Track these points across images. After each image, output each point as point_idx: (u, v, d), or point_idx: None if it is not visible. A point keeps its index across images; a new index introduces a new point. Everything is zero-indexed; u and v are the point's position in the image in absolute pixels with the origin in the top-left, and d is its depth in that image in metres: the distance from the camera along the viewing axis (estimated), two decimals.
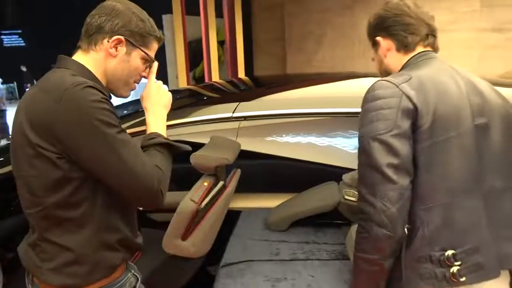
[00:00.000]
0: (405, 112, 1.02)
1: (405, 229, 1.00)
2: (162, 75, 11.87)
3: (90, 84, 1.05)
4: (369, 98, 1.08)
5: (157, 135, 1.15)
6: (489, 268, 1.00)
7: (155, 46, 1.24)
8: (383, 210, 0.96)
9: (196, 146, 3.26)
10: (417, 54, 1.23)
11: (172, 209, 2.78)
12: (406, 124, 1.01)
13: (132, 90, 1.27)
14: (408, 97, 1.04)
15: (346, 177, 2.36)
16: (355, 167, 1.13)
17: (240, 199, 2.88)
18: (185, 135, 3.27)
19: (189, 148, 1.24)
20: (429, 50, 1.25)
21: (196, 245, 1.87)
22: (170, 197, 2.80)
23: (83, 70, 1.13)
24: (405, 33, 1.21)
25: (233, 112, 1.72)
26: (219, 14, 7.15)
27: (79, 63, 1.14)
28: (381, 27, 1.26)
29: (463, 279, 0.98)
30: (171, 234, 1.85)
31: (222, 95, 2.44)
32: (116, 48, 1.15)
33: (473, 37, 5.74)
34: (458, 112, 1.06)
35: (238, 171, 2.13)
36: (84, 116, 1.00)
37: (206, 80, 6.94)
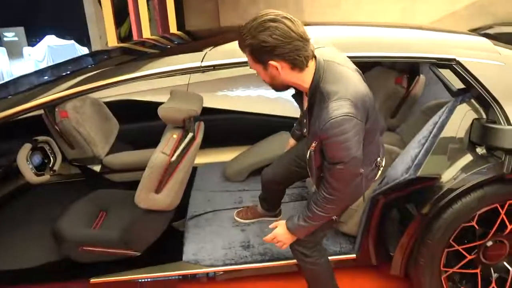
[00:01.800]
0: (362, 129, 1.37)
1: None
2: (82, 35, 10.87)
3: None
4: (339, 132, 1.30)
5: None
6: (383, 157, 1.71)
7: None
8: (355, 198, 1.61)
9: (146, 106, 3.19)
10: (316, 68, 1.38)
11: (128, 169, 2.75)
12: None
13: None
14: (361, 121, 1.35)
15: None
16: None
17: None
18: (133, 94, 3.17)
19: None
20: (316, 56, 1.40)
21: (170, 196, 1.88)
22: (126, 156, 2.77)
23: None
24: (300, 57, 1.30)
25: (201, 61, 1.70)
26: None
27: None
28: (273, 54, 1.29)
29: (383, 163, 1.68)
30: (145, 188, 1.83)
31: (182, 45, 2.35)
32: None
33: None
34: (371, 98, 1.44)
35: (202, 124, 2.15)
36: None
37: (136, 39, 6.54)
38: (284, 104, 3.13)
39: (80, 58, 3.21)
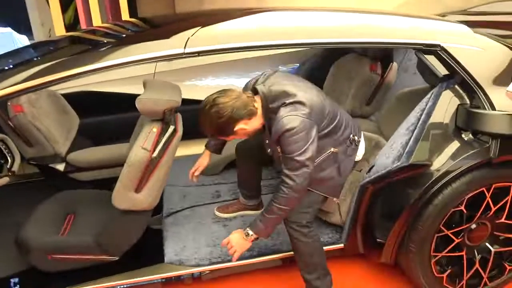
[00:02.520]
0: (314, 127, 1.59)
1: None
2: (19, 22, 9.97)
3: None
4: (288, 128, 1.53)
5: None
6: (360, 133, 1.92)
7: None
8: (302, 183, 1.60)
9: (107, 97, 2.96)
10: (262, 98, 1.64)
11: (96, 167, 2.54)
12: (316, 130, 1.60)
13: None
14: (312, 120, 1.58)
15: None
16: None
17: None
18: (90, 85, 2.92)
19: None
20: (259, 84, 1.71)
21: (152, 195, 1.73)
22: (93, 153, 2.55)
23: None
24: (248, 107, 1.61)
25: (184, 47, 1.56)
26: None
27: None
28: (232, 123, 1.60)
29: (361, 139, 1.90)
30: (124, 187, 1.66)
31: (142, 33, 2.16)
32: None
33: None
34: (323, 98, 1.69)
35: (179, 115, 2.00)
36: None
37: (84, 27, 6.09)
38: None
39: (30, 48, 2.90)
